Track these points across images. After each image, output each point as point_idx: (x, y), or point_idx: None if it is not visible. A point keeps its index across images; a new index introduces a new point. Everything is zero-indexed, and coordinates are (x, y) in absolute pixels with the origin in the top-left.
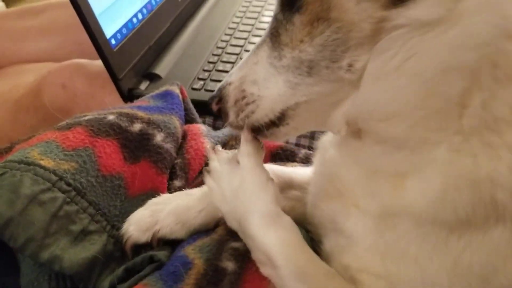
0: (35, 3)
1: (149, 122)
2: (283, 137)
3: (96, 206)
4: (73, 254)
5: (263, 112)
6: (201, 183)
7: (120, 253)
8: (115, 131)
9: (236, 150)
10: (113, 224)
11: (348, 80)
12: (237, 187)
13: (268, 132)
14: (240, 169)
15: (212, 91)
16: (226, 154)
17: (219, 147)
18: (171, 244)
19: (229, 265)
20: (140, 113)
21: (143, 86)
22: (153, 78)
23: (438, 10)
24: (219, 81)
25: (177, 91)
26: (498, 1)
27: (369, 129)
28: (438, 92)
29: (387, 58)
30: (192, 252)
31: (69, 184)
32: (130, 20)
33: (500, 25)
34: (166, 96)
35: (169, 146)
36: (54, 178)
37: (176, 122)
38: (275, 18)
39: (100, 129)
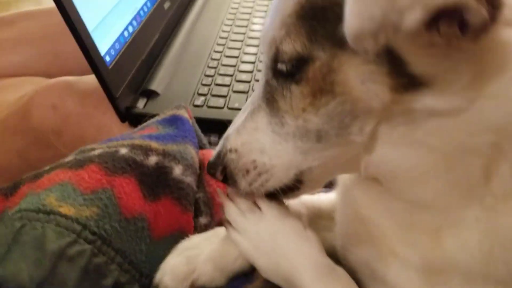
0: (2, 13)
1: (164, 154)
2: (300, 196)
3: (123, 254)
4: None
5: (278, 180)
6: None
7: None
8: (131, 167)
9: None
10: (141, 272)
11: (360, 142)
12: (271, 240)
13: (284, 196)
14: (267, 219)
15: (216, 107)
16: (245, 202)
17: (234, 193)
18: None
19: None
20: (154, 144)
21: (141, 104)
22: (150, 95)
23: (459, 101)
24: (221, 96)
25: (186, 115)
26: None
27: (392, 187)
28: (458, 166)
29: (405, 130)
30: None
31: (93, 233)
32: (122, 34)
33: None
34: (176, 121)
35: (189, 179)
36: (78, 227)
37: (192, 152)
38: (268, 83)
39: (115, 165)
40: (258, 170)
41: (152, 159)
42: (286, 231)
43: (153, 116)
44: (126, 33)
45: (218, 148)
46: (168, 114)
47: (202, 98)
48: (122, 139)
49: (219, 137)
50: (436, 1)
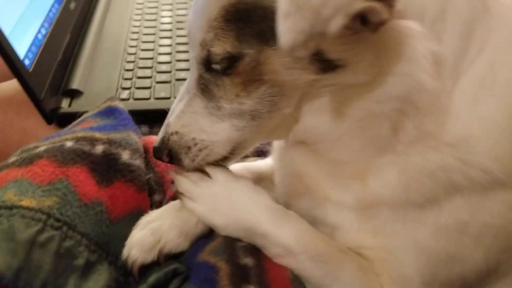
0: None
1: (110, 142)
2: (234, 162)
3: (87, 236)
4: None
5: (217, 153)
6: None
7: (123, 278)
8: (81, 157)
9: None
10: (107, 251)
11: (288, 113)
12: (227, 199)
13: (222, 162)
14: (220, 182)
15: (143, 99)
16: (195, 174)
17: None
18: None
19: (248, 260)
20: (97, 134)
21: (65, 104)
22: (74, 94)
23: (366, 77)
24: (145, 88)
25: (121, 105)
26: (412, 72)
27: (316, 148)
28: (370, 128)
29: (323, 101)
30: (210, 257)
31: (58, 220)
32: (36, 37)
33: (414, 86)
34: (113, 112)
35: (138, 162)
36: (43, 216)
37: (135, 137)
38: (201, 77)
39: (65, 157)
40: (198, 147)
41: (99, 148)
42: (240, 188)
43: (82, 114)
44: (40, 36)
45: (160, 134)
46: (103, 106)
47: (127, 91)
48: (64, 134)
49: (150, 127)
50: (354, 7)
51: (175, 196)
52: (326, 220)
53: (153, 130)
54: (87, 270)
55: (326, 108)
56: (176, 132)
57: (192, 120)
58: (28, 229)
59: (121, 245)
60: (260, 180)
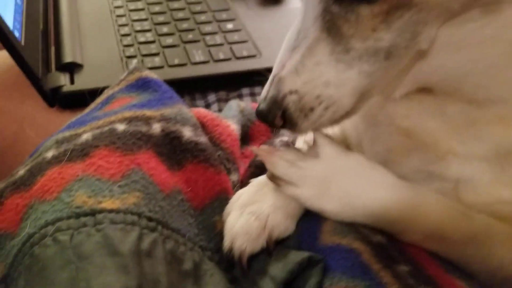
0: None
1: (165, 119)
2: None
3: (180, 232)
4: None
5: (343, 109)
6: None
7: (228, 275)
8: (143, 140)
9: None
10: (200, 246)
11: (426, 48)
12: (338, 180)
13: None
14: (327, 160)
15: (153, 68)
16: (290, 152)
17: (269, 149)
18: None
19: (379, 238)
20: (147, 112)
21: (65, 81)
22: (73, 68)
23: None
24: (153, 54)
25: (154, 75)
26: None
27: (452, 91)
28: None
29: (476, 28)
30: (336, 238)
31: (150, 219)
32: (15, 2)
33: None
34: (149, 84)
35: (204, 139)
36: (135, 218)
37: (188, 112)
38: (326, 11)
39: (126, 143)
40: (324, 105)
41: (156, 127)
42: (353, 165)
43: (103, 89)
44: (19, 1)
45: (267, 92)
46: (132, 79)
47: (134, 60)
48: (105, 116)
49: None
50: None
51: (251, 172)
52: (448, 174)
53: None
54: (198, 273)
55: (480, 37)
56: (296, 91)
57: (317, 73)
58: (127, 237)
59: (214, 236)
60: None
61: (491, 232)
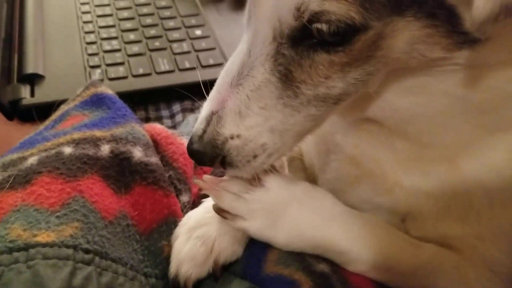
0: None
1: (115, 139)
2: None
3: (121, 261)
4: None
5: (284, 153)
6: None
7: None
8: (88, 164)
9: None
10: (144, 273)
11: (372, 91)
12: (286, 211)
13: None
14: (273, 191)
15: (117, 78)
16: (236, 184)
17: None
18: None
19: (323, 267)
20: (97, 132)
21: (25, 93)
22: (34, 80)
23: (509, 55)
24: (117, 64)
25: (110, 91)
26: None
27: (400, 130)
28: (489, 108)
29: (429, 80)
30: (279, 268)
31: (87, 251)
32: None
33: None
34: (103, 101)
35: (154, 159)
36: (70, 251)
37: (141, 130)
38: (279, 55)
39: (70, 168)
40: (268, 152)
41: (105, 149)
42: (299, 195)
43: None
44: None
45: (203, 133)
46: (87, 95)
47: (99, 71)
48: (52, 138)
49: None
50: None
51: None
52: (397, 207)
53: (136, 114)
54: None
55: (430, 89)
56: (239, 136)
57: (262, 118)
58: (58, 273)
59: (160, 262)
60: (292, 159)
61: (438, 262)
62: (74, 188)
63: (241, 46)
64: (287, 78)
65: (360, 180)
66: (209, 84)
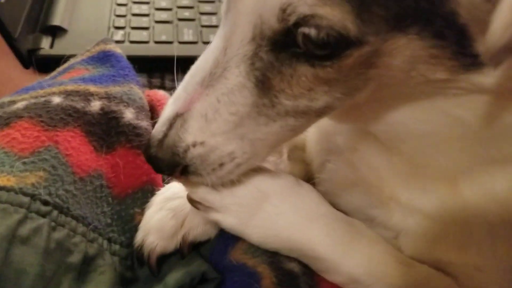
0: None
1: (108, 97)
2: None
3: (84, 220)
4: None
5: (255, 164)
6: None
7: (130, 273)
8: (73, 117)
9: None
10: (109, 238)
11: (362, 103)
12: (264, 207)
13: None
14: (250, 185)
15: (138, 42)
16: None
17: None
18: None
19: (294, 266)
20: (92, 87)
21: (45, 44)
22: (56, 32)
23: None
24: (142, 28)
25: (118, 50)
26: None
27: (396, 147)
28: (489, 135)
29: (430, 100)
30: (245, 257)
31: (46, 203)
32: None
33: None
34: (109, 59)
35: (145, 124)
36: (26, 199)
37: (139, 92)
38: (257, 58)
39: (52, 118)
40: (237, 162)
41: (95, 105)
42: (280, 191)
43: (68, 58)
44: None
45: (163, 136)
46: (95, 50)
47: (121, 32)
48: (48, 86)
49: (148, 77)
50: None
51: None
52: (390, 223)
53: (152, 81)
54: (85, 268)
55: (431, 109)
56: (202, 143)
57: (230, 125)
58: (6, 219)
59: (129, 229)
60: (295, 148)
61: (431, 285)
62: (50, 138)
63: (215, 42)
64: (264, 85)
65: (355, 186)
66: None
